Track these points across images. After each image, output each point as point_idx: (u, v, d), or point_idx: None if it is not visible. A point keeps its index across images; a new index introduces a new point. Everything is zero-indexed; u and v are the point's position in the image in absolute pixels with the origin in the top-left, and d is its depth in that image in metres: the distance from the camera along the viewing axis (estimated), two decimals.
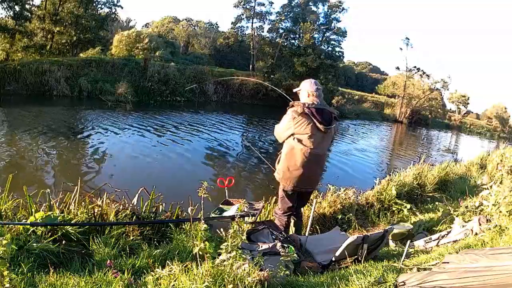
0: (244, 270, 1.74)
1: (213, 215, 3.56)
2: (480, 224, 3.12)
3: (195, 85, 20.58)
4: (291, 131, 2.87)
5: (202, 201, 1.98)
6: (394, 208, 4.72)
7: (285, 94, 4.10)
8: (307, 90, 2.95)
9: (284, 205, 3.11)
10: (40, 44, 20.17)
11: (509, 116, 41.96)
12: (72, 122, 11.94)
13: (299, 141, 2.85)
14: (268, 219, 3.63)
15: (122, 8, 31.43)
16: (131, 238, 2.78)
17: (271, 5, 30.23)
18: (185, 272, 1.78)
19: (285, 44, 29.29)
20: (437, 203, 4.67)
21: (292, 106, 2.93)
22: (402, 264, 2.17)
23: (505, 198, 3.30)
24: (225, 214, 3.56)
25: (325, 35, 29.65)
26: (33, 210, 2.78)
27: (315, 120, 2.81)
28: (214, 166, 8.73)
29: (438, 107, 33.32)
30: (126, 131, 11.12)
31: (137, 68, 20.76)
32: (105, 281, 1.96)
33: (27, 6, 19.11)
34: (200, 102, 22.24)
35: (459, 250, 2.52)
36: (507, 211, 3.12)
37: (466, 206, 3.96)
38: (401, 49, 30.76)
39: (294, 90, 3.17)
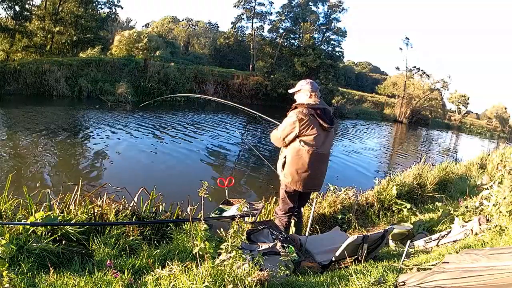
0: (244, 270, 1.74)
1: (213, 215, 3.56)
2: (480, 224, 3.12)
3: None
4: (296, 133, 2.84)
5: (202, 201, 1.98)
6: (394, 208, 4.71)
7: (269, 118, 4.02)
8: (307, 90, 2.93)
9: (285, 205, 3.10)
10: (40, 44, 20.18)
11: (509, 116, 42.00)
12: (72, 122, 11.94)
13: (305, 142, 2.83)
14: (268, 219, 3.63)
15: (122, 8, 31.55)
16: (131, 238, 2.77)
17: (271, 5, 30.39)
18: (185, 272, 1.78)
19: (285, 44, 29.32)
20: (437, 203, 4.66)
21: (296, 107, 2.90)
22: (402, 264, 2.17)
23: (505, 198, 3.29)
24: (225, 214, 3.55)
25: (325, 35, 29.70)
26: (33, 210, 2.77)
27: (320, 120, 2.81)
28: (214, 166, 8.72)
29: (438, 107, 33.31)
30: (126, 131, 11.12)
31: (137, 68, 20.78)
32: (105, 281, 1.96)
33: (27, 6, 19.13)
34: (200, 102, 22.23)
35: (459, 250, 2.51)
36: (507, 211, 3.11)
37: (466, 206, 3.95)
38: (401, 49, 30.87)
39: (290, 91, 3.13)
